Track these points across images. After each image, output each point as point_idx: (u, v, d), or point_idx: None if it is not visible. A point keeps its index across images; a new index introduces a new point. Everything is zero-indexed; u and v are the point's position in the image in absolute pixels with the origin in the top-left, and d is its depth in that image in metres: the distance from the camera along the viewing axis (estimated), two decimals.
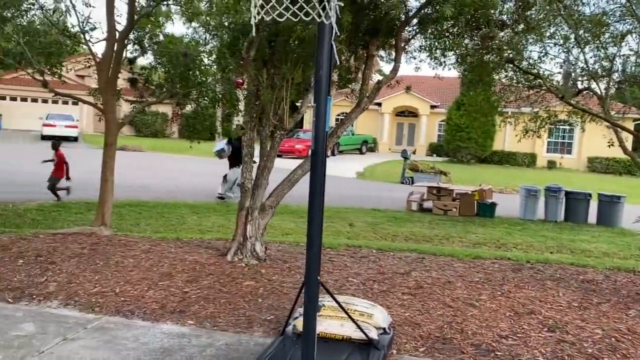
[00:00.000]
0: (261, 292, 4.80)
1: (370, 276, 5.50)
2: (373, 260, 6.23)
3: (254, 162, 5.66)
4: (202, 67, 7.74)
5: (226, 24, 5.86)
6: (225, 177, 12.12)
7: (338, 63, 4.06)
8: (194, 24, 7.42)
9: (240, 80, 5.65)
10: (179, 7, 8.50)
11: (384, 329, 3.65)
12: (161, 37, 8.01)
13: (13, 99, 33.60)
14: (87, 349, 3.58)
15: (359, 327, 3.41)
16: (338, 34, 2.43)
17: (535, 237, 9.64)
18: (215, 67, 7.30)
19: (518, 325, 4.29)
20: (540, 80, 7.00)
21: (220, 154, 12.22)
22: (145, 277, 4.92)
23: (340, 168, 20.63)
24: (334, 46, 2.34)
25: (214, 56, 7.50)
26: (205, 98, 7.74)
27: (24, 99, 34.22)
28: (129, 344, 3.70)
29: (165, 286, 4.76)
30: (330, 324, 3.52)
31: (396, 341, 3.87)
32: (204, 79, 7.77)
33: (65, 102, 35.43)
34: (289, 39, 4.82)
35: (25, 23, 7.35)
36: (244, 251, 5.58)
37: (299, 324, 3.43)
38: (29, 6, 6.82)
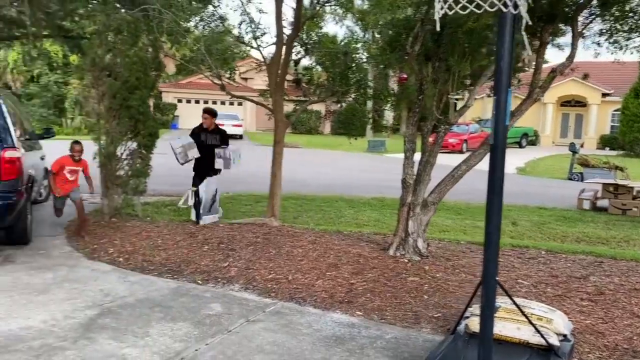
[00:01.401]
0: (426, 289, 4.78)
1: (541, 279, 5.16)
2: (543, 262, 5.84)
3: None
4: (361, 65, 7.91)
5: (389, 19, 5.90)
6: (196, 193, 7.12)
7: (530, 53, 3.86)
8: (347, 23, 7.62)
9: (405, 76, 5.66)
10: (337, 8, 8.76)
11: (564, 335, 3.40)
12: (316, 38, 8.34)
13: (188, 101, 37.47)
14: (268, 331, 3.88)
15: (538, 331, 3.23)
16: (530, 23, 2.31)
17: None
18: (372, 64, 7.40)
19: None
20: None
21: (183, 155, 7.18)
22: (313, 267, 5.18)
23: None
24: (525, 36, 2.23)
25: (371, 53, 7.62)
26: (364, 94, 7.88)
27: (196, 101, 38.03)
28: (304, 330, 3.93)
29: (333, 277, 4.97)
30: (505, 326, 3.38)
31: (577, 350, 3.59)
32: (361, 76, 7.93)
33: (231, 103, 38.61)
34: (457, 31, 4.71)
35: (205, 33, 8.15)
36: (406, 247, 5.59)
37: (471, 323, 3.35)
38: (210, 17, 7.54)
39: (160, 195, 9.80)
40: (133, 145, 7.06)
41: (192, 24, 8.11)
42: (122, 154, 6.99)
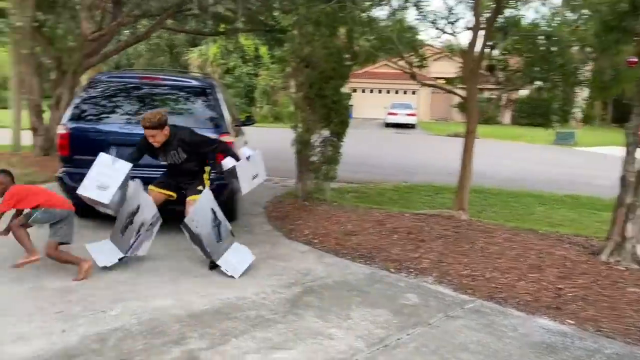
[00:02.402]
0: None
1: None
2: None
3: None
4: (566, 49, 7.19)
5: None
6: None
7: None
8: (553, 2, 6.94)
9: (635, 59, 4.98)
10: None
11: None
12: (514, 20, 7.76)
13: (363, 90, 38.25)
14: (468, 329, 3.73)
15: None
16: None
17: None
18: (585, 47, 6.67)
19: None
20: None
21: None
22: (513, 267, 4.87)
23: None
24: None
25: (581, 35, 6.88)
26: (569, 80, 7.16)
27: (371, 91, 38.67)
28: (508, 332, 3.70)
29: (536, 279, 4.60)
30: None
31: None
32: (566, 59, 7.21)
33: (404, 92, 38.53)
34: None
35: (395, 20, 8.12)
36: (623, 253, 4.96)
37: None
38: (405, 4, 7.49)
39: (342, 182, 10.15)
40: (326, 133, 7.34)
41: (383, 12, 8.16)
42: (315, 141, 7.32)
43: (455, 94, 7.45)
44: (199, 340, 3.36)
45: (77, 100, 6.07)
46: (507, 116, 34.80)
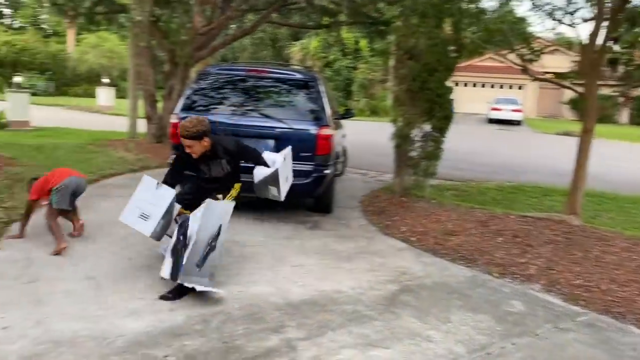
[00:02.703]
0: None
1: None
2: None
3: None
4: None
5: None
6: (181, 225, 3.92)
7: None
8: None
9: None
10: None
11: None
12: None
13: (465, 84, 36.94)
14: (581, 343, 3.44)
15: None
16: None
17: None
18: None
19: None
20: None
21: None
22: (633, 280, 4.43)
23: None
24: None
25: None
26: None
27: (474, 85, 37.27)
28: (627, 351, 3.38)
29: None
30: None
31: None
32: None
33: (510, 87, 36.75)
34: None
35: (508, 11, 7.70)
36: None
37: None
38: None
39: (440, 179, 9.84)
40: (427, 127, 7.14)
41: (492, 3, 7.77)
42: (416, 135, 7.14)
43: (572, 89, 6.91)
44: (296, 330, 3.39)
45: (188, 92, 6.37)
46: (624, 115, 32.06)
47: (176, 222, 4.02)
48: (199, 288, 3.64)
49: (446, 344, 3.33)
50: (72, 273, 4.04)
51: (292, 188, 6.00)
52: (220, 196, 4.14)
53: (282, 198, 4.54)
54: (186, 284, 3.66)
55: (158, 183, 3.97)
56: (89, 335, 3.14)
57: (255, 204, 6.85)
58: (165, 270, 3.75)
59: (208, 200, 3.79)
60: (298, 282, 4.22)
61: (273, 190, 4.50)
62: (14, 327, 3.18)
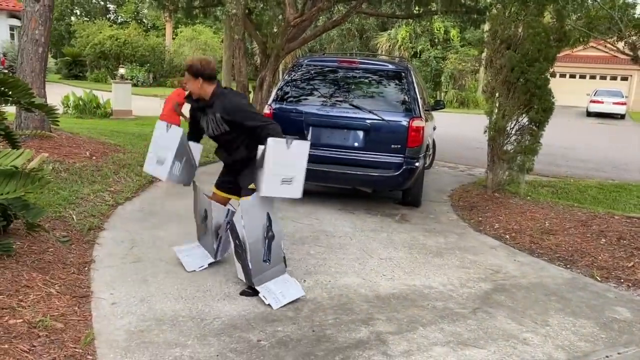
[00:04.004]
0: None
1: None
2: None
3: None
4: None
5: None
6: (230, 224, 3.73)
7: None
8: None
9: None
10: None
11: None
12: None
13: (562, 75, 34.81)
14: None
15: None
16: None
17: None
18: None
19: None
20: None
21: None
22: None
23: None
24: None
25: None
26: None
27: (572, 76, 35.02)
28: None
29: None
30: None
31: None
32: None
33: (614, 78, 34.20)
34: None
35: None
36: None
37: None
38: None
39: (536, 175, 9.35)
40: (524, 120, 6.80)
41: None
42: (512, 128, 6.82)
43: None
44: (386, 323, 3.37)
45: (281, 83, 6.49)
46: None
47: (227, 226, 3.88)
48: (275, 306, 3.48)
49: (545, 348, 3.17)
50: (172, 254, 4.26)
51: (382, 180, 5.96)
52: (252, 186, 3.66)
53: (261, 193, 3.46)
54: (261, 296, 3.54)
55: (168, 125, 3.79)
56: (187, 315, 3.31)
57: (339, 194, 6.88)
58: (239, 272, 3.73)
59: (241, 202, 3.55)
60: (387, 275, 4.19)
61: (260, 173, 3.51)
62: (121, 303, 3.41)
